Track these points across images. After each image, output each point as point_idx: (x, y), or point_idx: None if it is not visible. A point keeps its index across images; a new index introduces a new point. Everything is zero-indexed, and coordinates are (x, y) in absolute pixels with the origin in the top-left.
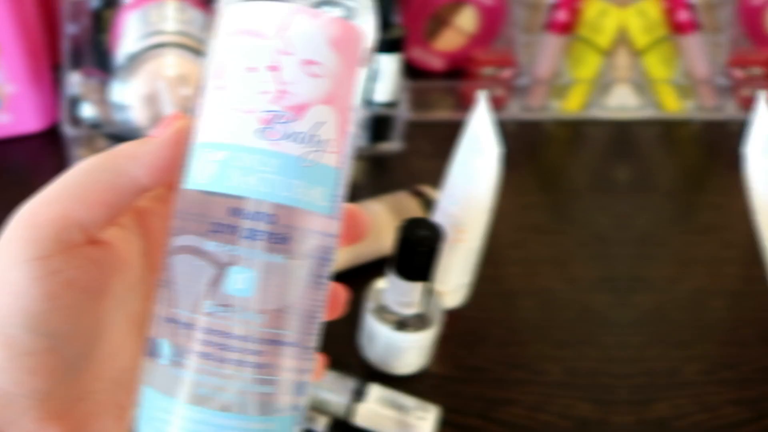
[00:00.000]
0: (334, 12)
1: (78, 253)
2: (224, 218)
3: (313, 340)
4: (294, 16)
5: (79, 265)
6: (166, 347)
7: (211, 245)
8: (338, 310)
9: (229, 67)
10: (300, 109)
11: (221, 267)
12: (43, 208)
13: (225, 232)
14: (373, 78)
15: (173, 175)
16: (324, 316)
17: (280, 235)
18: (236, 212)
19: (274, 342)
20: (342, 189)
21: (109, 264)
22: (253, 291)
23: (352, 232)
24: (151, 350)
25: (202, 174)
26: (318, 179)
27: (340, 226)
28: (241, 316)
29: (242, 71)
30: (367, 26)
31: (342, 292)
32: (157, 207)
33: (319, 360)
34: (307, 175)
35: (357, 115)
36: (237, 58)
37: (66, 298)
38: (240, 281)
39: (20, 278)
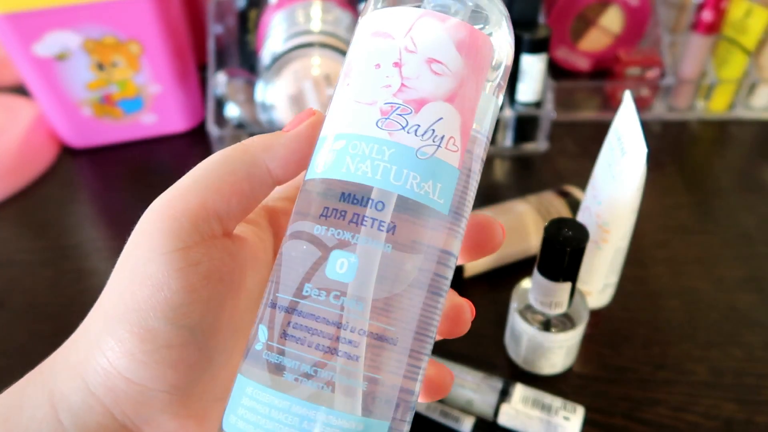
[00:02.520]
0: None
1: (216, 245)
2: (334, 203)
3: (422, 353)
4: (422, 18)
5: (218, 257)
6: (262, 332)
7: (318, 229)
8: (462, 327)
9: (357, 66)
10: (419, 104)
11: (325, 250)
12: (179, 199)
13: (333, 216)
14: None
15: (304, 169)
16: (444, 331)
17: (387, 224)
18: (346, 197)
19: (372, 336)
20: (466, 192)
21: (244, 258)
22: (354, 277)
23: (485, 243)
24: (250, 337)
25: (321, 163)
26: (433, 173)
27: (465, 232)
28: (339, 302)
29: (368, 68)
30: (503, 43)
31: (467, 308)
32: (288, 207)
33: (445, 375)
34: (421, 167)
35: (490, 131)
36: (365, 56)
37: (206, 291)
38: (342, 265)
39: (160, 270)
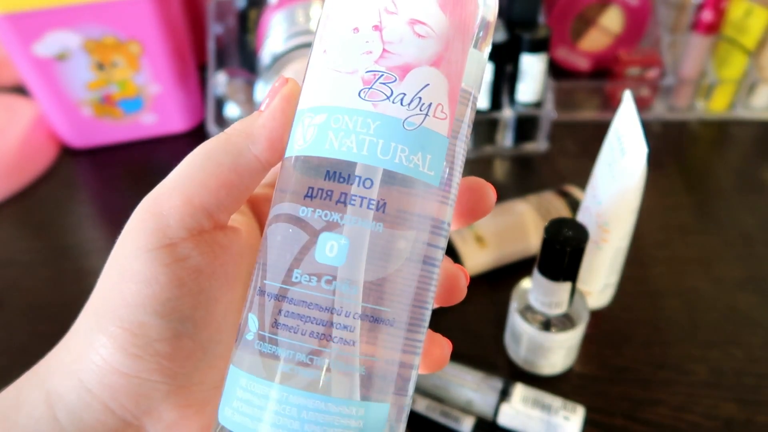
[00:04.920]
0: None
1: (206, 239)
2: (319, 182)
3: (420, 326)
4: None
5: (207, 251)
6: (252, 321)
7: (304, 211)
8: (457, 295)
9: (332, 30)
10: (404, 70)
11: (313, 233)
12: (165, 196)
13: (319, 197)
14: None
15: None
16: (440, 300)
17: (377, 201)
18: (332, 176)
19: (368, 318)
20: (456, 159)
21: (239, 249)
22: (345, 260)
23: (478, 207)
24: (240, 327)
25: (300, 139)
26: (421, 145)
27: (456, 200)
28: (330, 287)
29: (345, 33)
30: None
31: (462, 276)
32: (270, 193)
33: (443, 346)
34: (409, 139)
35: (476, 89)
36: (341, 19)
37: (195, 284)
38: (332, 249)
39: (147, 266)
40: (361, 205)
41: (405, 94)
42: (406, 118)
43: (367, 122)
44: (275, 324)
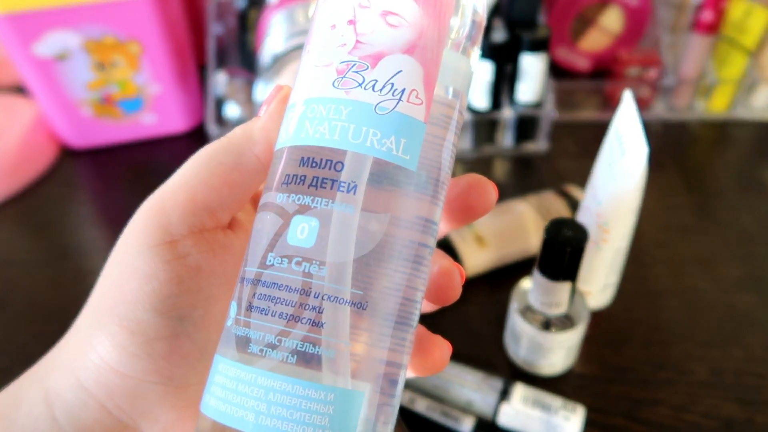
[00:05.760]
0: None
1: (207, 238)
2: (294, 169)
3: (404, 322)
4: None
5: (207, 249)
6: (232, 308)
7: (281, 197)
8: (451, 294)
9: (314, 31)
10: (376, 58)
11: (286, 217)
12: (169, 195)
13: (293, 183)
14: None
15: None
16: (433, 297)
17: (347, 184)
18: (305, 162)
19: (338, 300)
20: (440, 150)
21: (239, 249)
22: (314, 241)
23: (477, 203)
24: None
25: (284, 133)
26: (395, 129)
27: (455, 194)
28: (300, 268)
29: (324, 31)
30: None
31: (456, 272)
32: None
33: (442, 348)
34: (381, 123)
35: (459, 91)
36: (321, 21)
37: (194, 283)
38: (303, 231)
39: (148, 263)
40: (331, 188)
41: (377, 81)
42: (378, 103)
43: (339, 109)
44: (249, 307)
